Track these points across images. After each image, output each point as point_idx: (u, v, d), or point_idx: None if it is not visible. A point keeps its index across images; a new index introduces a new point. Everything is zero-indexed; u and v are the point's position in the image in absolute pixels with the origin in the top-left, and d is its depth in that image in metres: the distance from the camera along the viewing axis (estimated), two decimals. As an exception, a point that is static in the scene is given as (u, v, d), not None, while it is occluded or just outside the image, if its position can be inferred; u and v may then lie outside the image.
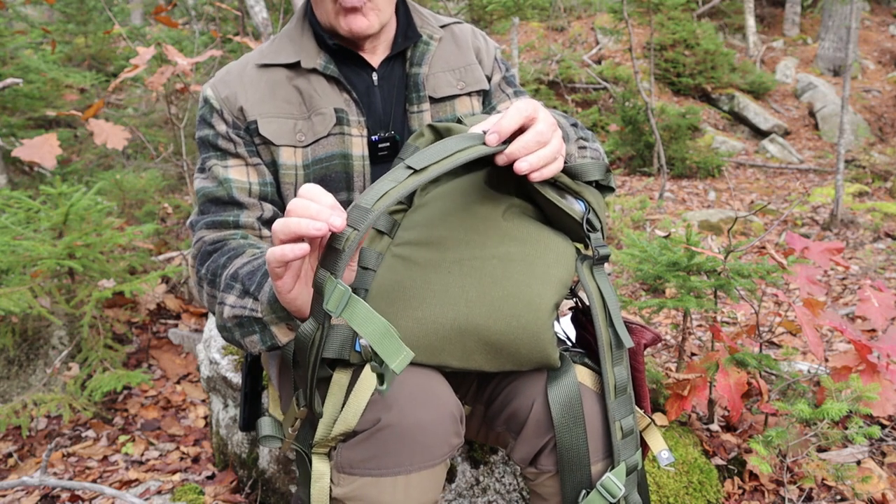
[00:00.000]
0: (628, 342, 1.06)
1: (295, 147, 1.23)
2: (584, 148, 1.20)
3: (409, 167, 0.87)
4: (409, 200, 1.11)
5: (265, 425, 1.07)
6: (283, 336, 1.02)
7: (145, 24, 7.25)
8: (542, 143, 0.96)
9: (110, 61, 5.67)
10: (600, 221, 1.10)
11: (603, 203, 1.13)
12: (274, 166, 1.24)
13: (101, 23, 5.55)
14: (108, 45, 5.68)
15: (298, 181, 1.24)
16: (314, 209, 0.83)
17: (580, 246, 1.13)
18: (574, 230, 1.10)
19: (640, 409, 1.14)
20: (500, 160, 0.96)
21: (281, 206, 1.26)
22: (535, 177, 0.98)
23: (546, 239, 1.08)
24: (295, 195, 1.23)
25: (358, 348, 1.03)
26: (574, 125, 1.23)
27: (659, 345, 2.88)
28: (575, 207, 1.07)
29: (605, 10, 10.19)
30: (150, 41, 5.20)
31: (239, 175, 1.23)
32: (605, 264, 1.11)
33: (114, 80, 3.39)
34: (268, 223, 1.23)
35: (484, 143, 0.94)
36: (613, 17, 7.60)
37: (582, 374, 1.10)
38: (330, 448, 1.03)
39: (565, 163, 1.07)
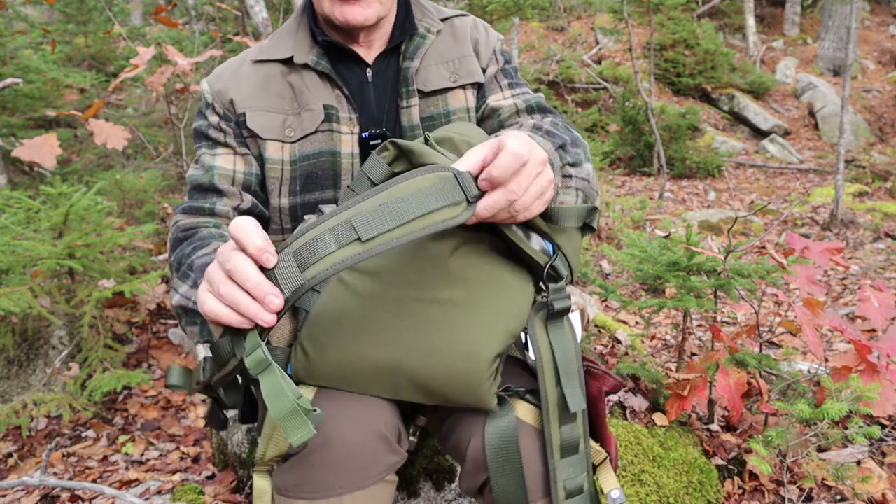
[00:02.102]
0: (576, 406, 0.98)
1: (283, 142, 1.24)
2: (570, 177, 1.06)
3: (355, 231, 0.78)
4: None
5: (174, 373, 0.96)
6: (218, 335, 1.01)
7: (145, 24, 7.25)
8: (511, 200, 0.87)
9: (110, 61, 5.67)
10: (570, 266, 1.03)
11: (578, 244, 1.05)
12: (261, 160, 1.26)
13: (101, 23, 5.55)
14: (108, 45, 5.68)
15: (285, 176, 1.25)
16: (251, 282, 0.77)
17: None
18: (541, 267, 1.02)
19: (597, 442, 1.07)
20: (469, 223, 0.89)
21: (263, 199, 1.27)
22: (501, 223, 0.93)
23: (499, 281, 1.00)
24: (280, 191, 1.25)
25: None
26: (562, 146, 1.06)
27: (659, 346, 2.88)
28: (538, 248, 1.00)
29: (605, 10, 10.19)
30: (150, 41, 5.20)
31: (225, 163, 1.25)
32: (572, 314, 1.02)
33: (114, 80, 3.39)
34: (245, 214, 1.23)
35: (456, 203, 0.84)
36: (613, 17, 7.60)
37: (524, 412, 1.03)
38: (271, 467, 1.01)
39: None
